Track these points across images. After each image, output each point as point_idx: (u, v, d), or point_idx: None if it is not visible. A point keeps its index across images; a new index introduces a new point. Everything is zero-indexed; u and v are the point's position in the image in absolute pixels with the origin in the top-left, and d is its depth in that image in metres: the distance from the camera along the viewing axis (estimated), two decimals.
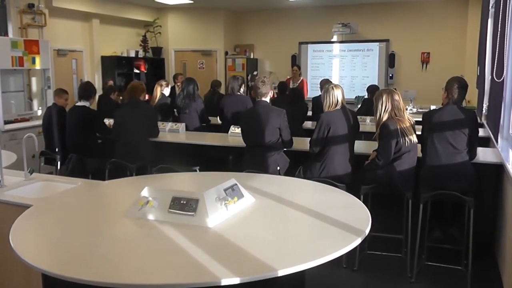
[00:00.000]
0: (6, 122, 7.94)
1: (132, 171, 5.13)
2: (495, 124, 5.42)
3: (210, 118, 7.51)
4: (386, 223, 4.37)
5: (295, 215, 2.90)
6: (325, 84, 8.27)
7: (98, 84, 11.07)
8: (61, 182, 4.07)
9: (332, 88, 4.95)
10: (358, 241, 2.43)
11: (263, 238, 2.54)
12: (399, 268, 4.53)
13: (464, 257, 4.32)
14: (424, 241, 4.51)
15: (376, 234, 4.19)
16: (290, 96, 7.98)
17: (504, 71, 4.66)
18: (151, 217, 2.78)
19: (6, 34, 8.38)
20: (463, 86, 4.76)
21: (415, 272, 4.39)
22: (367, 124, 7.54)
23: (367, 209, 2.96)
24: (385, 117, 4.64)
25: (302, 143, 5.54)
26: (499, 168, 4.72)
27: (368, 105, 8.30)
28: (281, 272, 2.09)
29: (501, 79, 4.70)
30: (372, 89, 8.41)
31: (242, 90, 7.34)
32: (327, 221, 2.73)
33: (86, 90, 6.41)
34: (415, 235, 4.34)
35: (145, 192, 2.89)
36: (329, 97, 4.94)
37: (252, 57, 13.53)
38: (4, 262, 3.54)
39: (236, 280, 2.02)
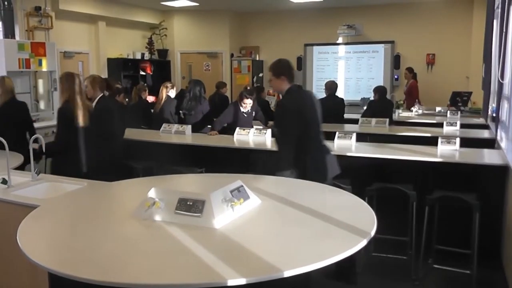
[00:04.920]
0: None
1: (138, 172, 5.15)
2: (500, 126, 5.42)
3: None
4: (391, 225, 4.37)
5: (300, 216, 2.90)
6: (331, 85, 8.33)
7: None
8: (68, 182, 4.08)
9: None
10: (363, 243, 2.43)
11: (269, 239, 2.55)
12: (404, 271, 4.53)
13: (471, 260, 4.30)
14: (431, 243, 4.51)
15: (381, 236, 4.19)
16: None
17: (509, 72, 4.66)
18: (157, 218, 2.79)
19: (13, 36, 8.41)
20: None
21: (421, 274, 4.39)
22: (372, 126, 7.53)
23: (372, 210, 2.96)
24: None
25: None
26: (505, 170, 4.71)
27: (374, 106, 8.31)
28: (287, 273, 2.09)
29: (506, 80, 4.70)
30: (378, 90, 8.41)
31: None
32: (333, 222, 2.73)
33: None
34: (421, 237, 4.35)
35: (151, 193, 2.90)
36: None
37: (257, 59, 13.56)
38: (12, 261, 3.56)
39: (242, 281, 2.03)
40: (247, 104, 6.83)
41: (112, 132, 5.19)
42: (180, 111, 7.56)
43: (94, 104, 5.11)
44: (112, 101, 5.68)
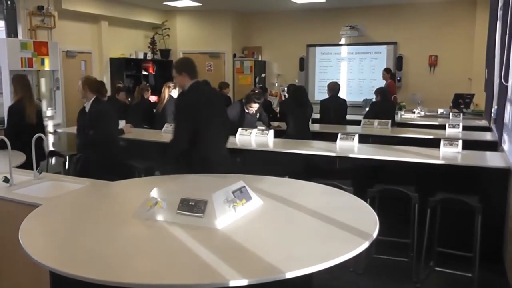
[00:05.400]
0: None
1: (140, 172, 5.14)
2: (503, 128, 5.41)
3: None
4: (393, 227, 4.36)
5: (302, 217, 2.90)
6: (334, 87, 8.33)
7: (107, 85, 11.14)
8: (70, 182, 4.10)
9: None
10: (365, 245, 2.42)
11: (271, 240, 2.55)
12: (406, 273, 4.53)
13: (472, 263, 4.29)
14: (433, 246, 4.50)
15: (383, 237, 4.19)
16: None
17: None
18: (159, 218, 2.79)
19: (15, 35, 8.44)
20: None
21: (422, 277, 4.38)
22: (374, 127, 7.52)
23: (374, 212, 2.96)
24: None
25: None
26: (507, 172, 4.71)
27: (376, 108, 8.31)
28: (289, 275, 2.09)
29: (509, 82, 4.69)
30: (380, 92, 8.40)
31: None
32: (335, 224, 2.73)
33: None
34: (422, 239, 4.34)
35: (154, 193, 2.90)
36: None
37: (260, 59, 13.56)
38: (13, 260, 3.58)
39: (243, 282, 2.03)
40: (254, 108, 6.82)
41: (110, 135, 5.18)
42: None
43: (88, 107, 5.10)
44: (108, 103, 5.64)
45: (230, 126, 4.81)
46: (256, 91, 7.67)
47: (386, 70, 10.94)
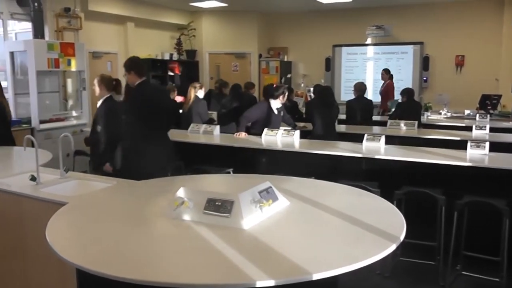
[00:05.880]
0: (41, 122, 8.14)
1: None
2: None
3: None
4: (419, 230, 4.33)
5: (329, 219, 2.89)
6: (360, 87, 8.29)
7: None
8: (96, 181, 4.14)
9: None
10: (392, 247, 2.40)
11: (298, 241, 2.54)
12: (432, 276, 4.49)
13: (500, 268, 4.23)
14: (460, 249, 4.45)
15: (409, 240, 4.15)
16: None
17: None
18: (186, 217, 2.80)
19: (42, 37, 8.55)
20: None
21: (449, 281, 4.34)
22: (401, 128, 7.46)
23: (401, 214, 2.94)
24: None
25: None
26: None
27: (402, 108, 8.24)
28: (316, 276, 2.08)
29: None
30: (406, 92, 8.33)
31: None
32: (361, 225, 2.71)
33: None
34: (449, 242, 4.30)
35: (180, 193, 2.91)
36: None
37: (285, 59, 13.56)
38: (40, 257, 3.61)
39: (271, 282, 2.03)
40: (284, 99, 6.83)
41: (118, 134, 5.23)
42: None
43: (99, 104, 5.23)
44: (118, 103, 5.69)
45: (174, 120, 5.57)
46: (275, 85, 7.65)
47: (385, 71, 10.96)
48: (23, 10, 8.85)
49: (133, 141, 4.82)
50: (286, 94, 6.85)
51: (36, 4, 8.44)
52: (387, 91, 10.75)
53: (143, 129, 4.80)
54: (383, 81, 10.94)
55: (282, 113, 6.96)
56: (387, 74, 10.85)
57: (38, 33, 8.49)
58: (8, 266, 3.94)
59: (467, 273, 4.47)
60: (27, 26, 9.18)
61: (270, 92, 6.76)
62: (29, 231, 3.69)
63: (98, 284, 2.46)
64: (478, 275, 4.42)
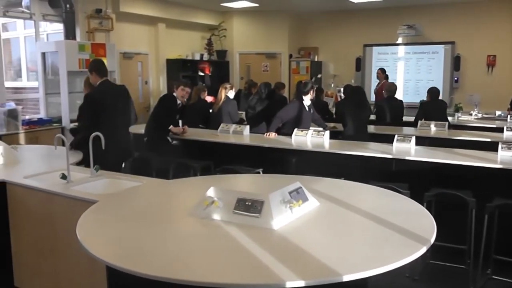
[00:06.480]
0: (72, 121, 8.26)
1: (196, 171, 5.23)
2: None
3: None
4: (449, 232, 4.29)
5: (359, 220, 2.89)
6: (390, 87, 8.22)
7: (163, 86, 11.41)
8: (126, 179, 4.19)
9: None
10: (423, 250, 2.39)
11: (328, 242, 2.55)
12: (462, 280, 4.44)
13: None
14: (490, 253, 4.40)
15: (439, 243, 4.13)
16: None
17: None
18: (216, 217, 2.82)
19: (74, 38, 8.71)
20: None
21: (479, 285, 4.29)
22: (431, 129, 7.37)
23: (432, 217, 2.93)
24: None
25: None
26: None
27: (426, 107, 8.10)
28: (346, 278, 2.09)
29: None
30: (430, 91, 8.19)
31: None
32: (391, 227, 2.71)
33: None
34: (479, 246, 4.25)
35: (210, 192, 2.93)
36: None
37: (316, 60, 13.52)
38: (70, 254, 3.68)
39: (301, 283, 2.04)
40: (312, 94, 6.95)
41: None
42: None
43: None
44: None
45: (134, 116, 5.77)
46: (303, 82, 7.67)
47: (381, 70, 10.92)
48: (55, 12, 9.02)
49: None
50: (314, 89, 6.91)
51: (68, 5, 8.61)
52: (381, 91, 10.63)
53: (95, 121, 5.11)
54: (378, 80, 10.86)
55: (312, 111, 6.96)
56: (383, 73, 10.82)
57: (70, 34, 8.65)
58: (39, 263, 4.02)
59: (498, 277, 4.41)
60: (59, 27, 9.37)
61: (301, 89, 6.82)
62: (60, 229, 3.76)
63: (127, 281, 2.50)
64: (508, 280, 4.36)
